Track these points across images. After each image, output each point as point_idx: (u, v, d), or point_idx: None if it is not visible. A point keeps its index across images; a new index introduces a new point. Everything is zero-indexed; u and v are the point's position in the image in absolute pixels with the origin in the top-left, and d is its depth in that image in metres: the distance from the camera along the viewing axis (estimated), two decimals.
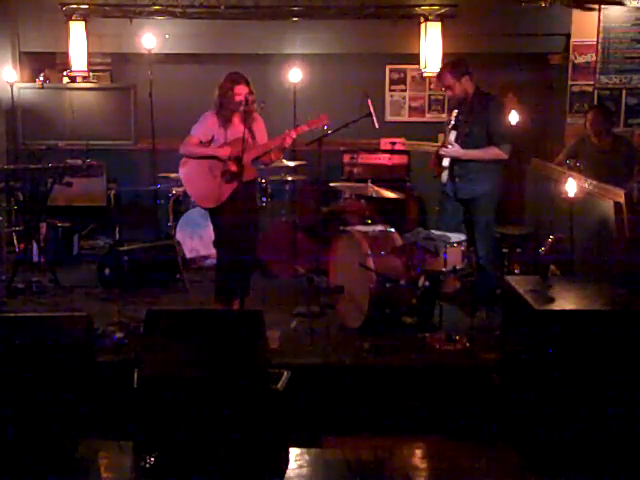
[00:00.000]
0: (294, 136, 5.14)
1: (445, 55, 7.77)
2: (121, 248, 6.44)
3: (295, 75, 7.23)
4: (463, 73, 5.34)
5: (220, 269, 5.37)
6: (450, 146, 5.33)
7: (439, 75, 5.49)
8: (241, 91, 5.07)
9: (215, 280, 5.40)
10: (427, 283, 5.02)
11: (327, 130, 5.36)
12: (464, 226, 5.44)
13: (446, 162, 5.36)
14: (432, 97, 8.73)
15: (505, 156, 5.34)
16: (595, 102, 7.82)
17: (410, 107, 8.76)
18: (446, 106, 7.93)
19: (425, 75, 8.24)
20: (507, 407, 4.12)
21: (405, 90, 8.76)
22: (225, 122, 5.17)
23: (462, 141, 5.34)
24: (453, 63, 5.45)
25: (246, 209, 5.16)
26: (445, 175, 5.44)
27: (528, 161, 7.06)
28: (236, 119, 5.15)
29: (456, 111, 5.35)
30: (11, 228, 6.91)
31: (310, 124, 5.15)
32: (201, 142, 5.21)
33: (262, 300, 5.51)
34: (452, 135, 5.41)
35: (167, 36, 7.90)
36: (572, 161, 6.30)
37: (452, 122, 5.29)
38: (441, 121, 5.57)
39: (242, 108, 5.06)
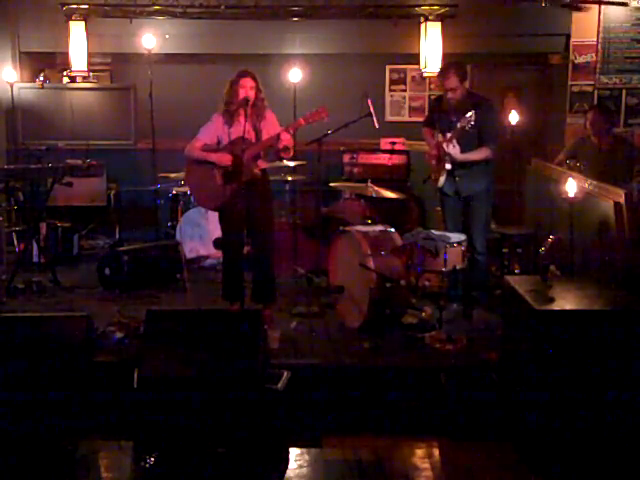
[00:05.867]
0: (291, 131, 5.09)
1: (445, 55, 7.78)
2: (121, 248, 6.44)
3: (295, 75, 7.23)
4: (465, 76, 5.36)
5: (223, 271, 5.37)
6: (452, 146, 5.30)
7: (445, 77, 5.36)
8: (245, 83, 4.99)
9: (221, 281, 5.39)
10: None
11: (327, 130, 5.34)
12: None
13: (448, 166, 5.34)
14: (432, 97, 8.72)
15: (492, 156, 5.38)
16: (595, 102, 7.83)
17: (410, 107, 8.76)
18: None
19: (425, 75, 8.24)
20: (507, 407, 4.11)
21: (405, 90, 8.76)
22: (230, 120, 5.08)
23: (458, 142, 5.33)
24: (457, 66, 5.39)
25: (251, 211, 5.10)
26: (443, 178, 5.42)
27: (528, 161, 7.05)
28: (241, 117, 4.97)
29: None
30: (11, 228, 6.91)
31: (307, 118, 5.00)
32: (206, 145, 5.12)
33: None
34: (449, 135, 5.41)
35: (167, 36, 7.92)
36: (572, 161, 6.29)
37: (462, 124, 5.20)
38: None
39: (249, 103, 4.97)
